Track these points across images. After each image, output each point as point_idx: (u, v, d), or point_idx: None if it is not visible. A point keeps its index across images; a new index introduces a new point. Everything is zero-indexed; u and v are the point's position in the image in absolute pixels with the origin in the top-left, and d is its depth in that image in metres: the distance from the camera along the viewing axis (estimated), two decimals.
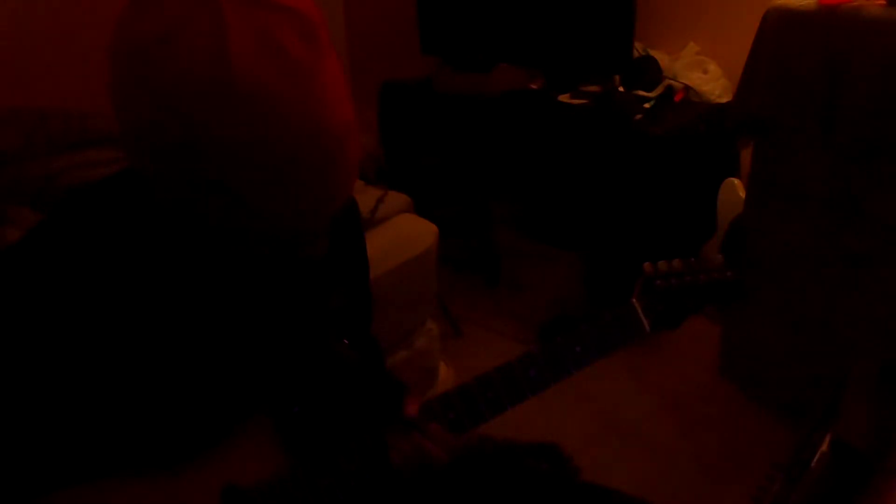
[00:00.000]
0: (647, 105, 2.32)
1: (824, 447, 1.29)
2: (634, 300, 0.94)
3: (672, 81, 2.38)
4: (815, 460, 1.28)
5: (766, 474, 1.31)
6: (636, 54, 2.38)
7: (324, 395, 0.93)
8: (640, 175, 2.28)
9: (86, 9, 2.13)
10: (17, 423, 0.76)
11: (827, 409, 1.39)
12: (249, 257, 0.78)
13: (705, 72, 2.39)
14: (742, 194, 2.11)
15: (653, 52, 2.43)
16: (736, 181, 2.23)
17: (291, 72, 0.65)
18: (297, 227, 0.75)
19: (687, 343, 2.36)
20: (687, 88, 2.37)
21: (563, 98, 2.46)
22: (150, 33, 0.63)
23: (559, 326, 0.93)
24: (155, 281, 0.79)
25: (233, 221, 0.71)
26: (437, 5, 2.73)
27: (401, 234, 1.94)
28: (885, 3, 1.54)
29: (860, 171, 1.67)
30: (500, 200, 2.75)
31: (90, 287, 0.75)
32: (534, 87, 2.61)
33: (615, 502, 1.09)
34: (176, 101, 0.63)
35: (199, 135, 0.64)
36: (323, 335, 0.95)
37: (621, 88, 2.44)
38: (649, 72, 2.37)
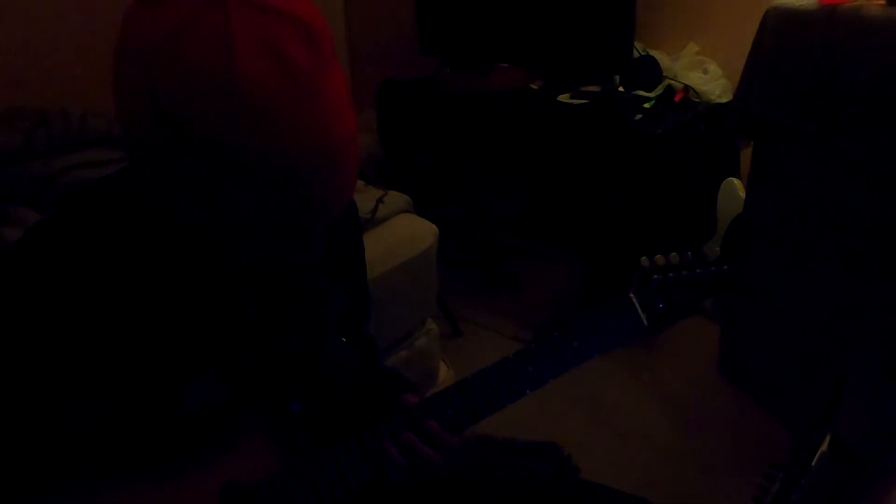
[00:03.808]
0: (647, 105, 2.32)
1: (824, 447, 1.29)
2: (631, 294, 0.93)
3: (672, 81, 2.38)
4: (815, 460, 1.28)
5: (765, 474, 1.31)
6: (636, 54, 2.38)
7: (322, 394, 0.93)
8: (641, 175, 2.28)
9: (86, 9, 2.13)
10: (15, 422, 0.76)
11: (827, 409, 1.39)
12: (246, 258, 0.78)
13: (705, 72, 2.39)
14: (742, 194, 2.11)
15: (653, 52, 2.43)
16: (736, 181, 2.23)
17: (295, 78, 0.65)
18: (292, 231, 0.75)
19: (687, 343, 2.36)
20: (687, 88, 2.37)
21: (563, 98, 2.47)
22: (158, 32, 0.64)
23: (559, 326, 0.93)
24: (154, 280, 0.79)
25: (229, 223, 0.71)
26: (437, 7, 2.73)
27: (401, 234, 1.93)
28: (885, 3, 1.54)
29: (860, 171, 1.67)
30: (500, 200, 2.75)
31: (90, 287, 0.75)
32: (534, 87, 2.61)
33: (615, 502, 1.09)
34: (179, 101, 0.64)
35: (201, 136, 0.64)
36: (321, 334, 0.95)
37: (621, 88, 2.44)
38: (649, 72, 2.37)
